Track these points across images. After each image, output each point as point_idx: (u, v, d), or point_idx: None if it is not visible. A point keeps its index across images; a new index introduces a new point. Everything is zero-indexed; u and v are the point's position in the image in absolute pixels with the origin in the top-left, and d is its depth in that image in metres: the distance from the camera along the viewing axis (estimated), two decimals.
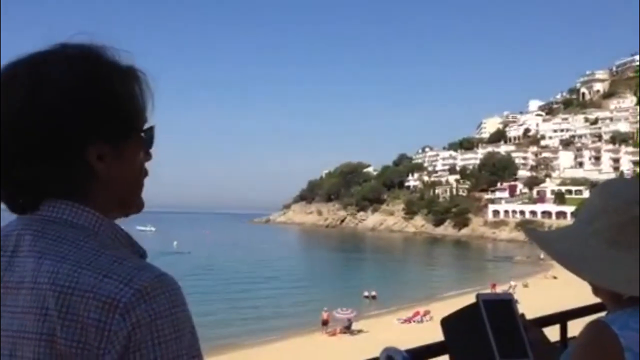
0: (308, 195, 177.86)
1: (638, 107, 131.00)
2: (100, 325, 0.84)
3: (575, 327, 1.71)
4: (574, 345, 1.32)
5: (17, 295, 0.90)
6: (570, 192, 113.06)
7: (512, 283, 40.77)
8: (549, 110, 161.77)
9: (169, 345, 0.86)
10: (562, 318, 2.44)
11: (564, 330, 2.42)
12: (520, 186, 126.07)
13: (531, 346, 1.41)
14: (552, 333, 2.35)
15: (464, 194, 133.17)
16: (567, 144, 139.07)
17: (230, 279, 45.93)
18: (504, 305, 1.49)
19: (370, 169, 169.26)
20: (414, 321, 29.78)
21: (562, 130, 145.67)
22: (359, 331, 28.26)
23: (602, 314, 1.39)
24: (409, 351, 1.58)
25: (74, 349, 0.85)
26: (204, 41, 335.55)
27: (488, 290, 39.43)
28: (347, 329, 28.48)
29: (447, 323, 1.57)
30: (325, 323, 28.78)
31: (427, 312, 30.50)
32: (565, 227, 1.49)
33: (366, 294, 39.26)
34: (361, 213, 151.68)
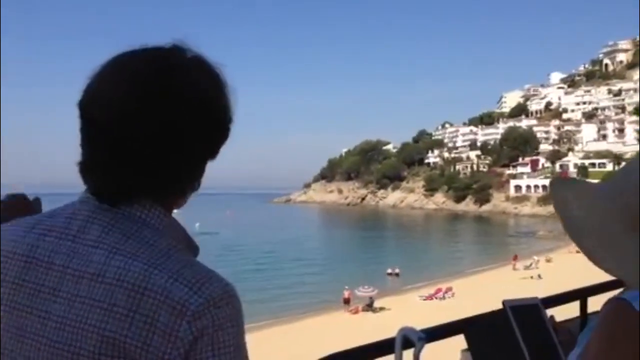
0: (328, 174, 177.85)
1: None
2: (168, 329, 0.85)
3: (597, 303, 1.70)
4: (595, 324, 1.23)
5: (78, 284, 0.90)
6: (593, 165, 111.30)
7: (535, 258, 40.56)
8: (571, 83, 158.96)
9: (228, 356, 0.88)
10: (582, 294, 2.41)
11: (584, 307, 2.39)
12: (542, 161, 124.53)
13: (562, 348, 1.36)
14: (572, 310, 2.35)
15: (485, 170, 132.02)
16: (589, 116, 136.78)
17: (254, 258, 46.35)
18: (531, 310, 1.44)
19: (390, 147, 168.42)
20: (436, 298, 29.84)
21: (584, 103, 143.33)
22: (381, 309, 28.39)
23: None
24: (424, 331, 1.57)
25: (139, 348, 0.85)
26: (228, 18, 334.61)
27: (509, 266, 39.41)
28: (369, 307, 28.62)
29: (471, 332, 1.53)
30: (347, 301, 28.94)
31: (449, 289, 30.54)
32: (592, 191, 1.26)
33: (389, 271, 39.35)
34: (381, 191, 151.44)
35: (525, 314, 1.42)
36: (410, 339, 1.49)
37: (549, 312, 1.63)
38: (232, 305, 0.90)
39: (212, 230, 71.38)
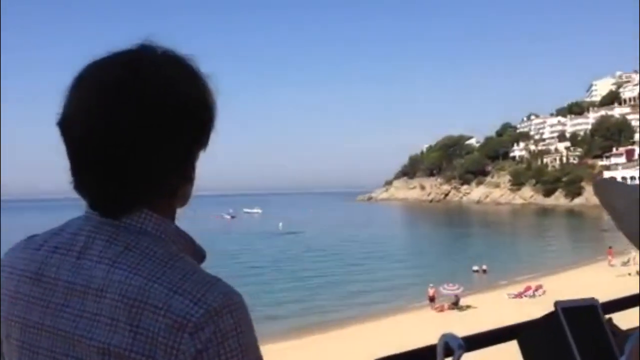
0: (410, 170, 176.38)
1: None
2: (170, 343, 0.85)
3: None
4: None
5: (83, 300, 0.91)
6: None
7: (633, 253, 38.34)
8: None
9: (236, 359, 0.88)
10: None
11: None
12: (638, 150, 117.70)
13: (622, 355, 1.24)
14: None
15: (575, 162, 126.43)
16: None
17: (340, 257, 46.52)
18: (587, 312, 1.36)
19: (472, 141, 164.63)
20: (525, 296, 28.83)
21: None
22: (467, 307, 27.78)
23: None
24: (465, 338, 1.50)
25: None
26: (295, 21, 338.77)
27: (605, 262, 37.45)
28: (455, 305, 28.08)
29: (523, 338, 1.46)
30: (432, 299, 28.55)
31: (539, 287, 29.44)
32: None
33: (476, 268, 38.44)
34: (465, 186, 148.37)
35: (581, 317, 1.34)
36: (450, 347, 1.42)
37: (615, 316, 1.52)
38: (236, 313, 0.89)
39: (297, 229, 72.34)
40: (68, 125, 0.94)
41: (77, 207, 1.00)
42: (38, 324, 0.95)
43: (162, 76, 0.94)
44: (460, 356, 1.40)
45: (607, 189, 1.28)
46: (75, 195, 0.97)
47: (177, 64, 0.98)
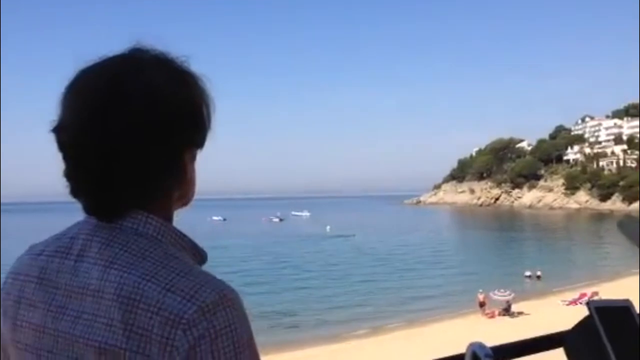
0: (459, 174, 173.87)
1: None
2: (163, 340, 0.86)
3: None
4: None
5: (82, 301, 0.93)
6: None
7: None
8: None
9: (229, 356, 0.88)
10: None
11: None
12: None
13: None
14: None
15: (634, 165, 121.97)
16: None
17: (390, 261, 46.21)
18: (621, 313, 1.34)
19: (524, 144, 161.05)
20: (580, 303, 27.88)
21: None
22: (520, 313, 27.13)
23: None
24: (496, 348, 1.45)
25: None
26: (346, 21, 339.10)
27: None
28: (506, 311, 27.46)
29: (568, 340, 1.43)
30: (482, 305, 28.01)
31: (595, 294, 28.49)
32: None
33: (528, 273, 37.50)
34: (516, 190, 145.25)
35: (614, 317, 1.32)
36: (478, 356, 1.37)
37: None
38: (230, 310, 0.90)
39: (346, 233, 72.20)
40: (60, 132, 0.96)
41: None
42: (40, 327, 0.97)
43: (148, 80, 0.95)
44: None
45: (631, 229, 1.27)
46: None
47: (165, 67, 0.99)
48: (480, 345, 1.38)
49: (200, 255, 1.03)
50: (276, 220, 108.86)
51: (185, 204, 1.08)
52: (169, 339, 0.86)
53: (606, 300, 1.42)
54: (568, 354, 1.41)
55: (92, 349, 0.90)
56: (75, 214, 1.04)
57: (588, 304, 1.34)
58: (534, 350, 1.57)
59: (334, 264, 44.61)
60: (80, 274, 0.95)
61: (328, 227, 79.08)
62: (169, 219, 1.02)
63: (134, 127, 0.93)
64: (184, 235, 1.01)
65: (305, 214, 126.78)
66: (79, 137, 0.93)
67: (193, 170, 1.06)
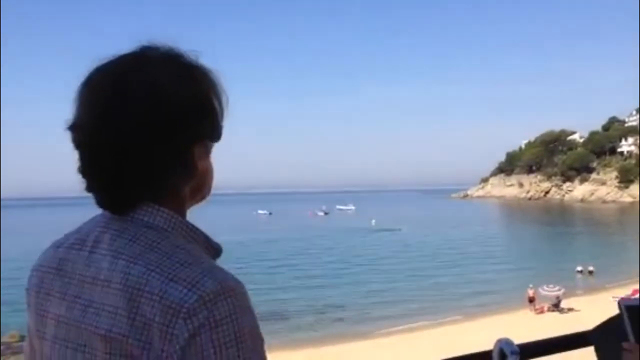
0: (507, 167, 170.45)
1: None
2: (164, 328, 0.88)
3: None
4: None
5: (92, 291, 0.96)
6: None
7: None
8: None
9: (229, 352, 0.88)
10: None
11: None
12: None
13: None
14: None
15: None
16: None
17: (437, 256, 45.85)
18: None
19: (575, 136, 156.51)
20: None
21: None
22: (569, 309, 26.57)
23: None
24: (522, 345, 1.44)
25: (140, 348, 0.89)
26: (399, 16, 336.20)
27: None
28: (556, 307, 26.94)
29: (593, 338, 1.44)
30: (531, 300, 27.55)
31: None
32: None
33: (580, 269, 36.62)
34: (567, 184, 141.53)
35: None
36: (504, 352, 1.37)
37: None
38: (232, 300, 0.90)
39: (391, 227, 71.87)
40: (73, 129, 1.00)
41: None
42: (57, 316, 1.01)
43: (152, 78, 0.97)
44: None
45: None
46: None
47: (172, 63, 1.01)
48: (507, 342, 1.39)
49: (213, 249, 1.04)
50: (321, 214, 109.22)
51: (202, 198, 1.10)
52: (169, 328, 0.88)
53: (637, 299, 1.40)
54: (597, 352, 1.40)
55: (98, 336, 0.92)
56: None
57: (619, 302, 1.33)
58: (561, 349, 1.54)
59: (381, 258, 44.55)
60: (92, 264, 0.98)
61: (373, 221, 78.83)
62: (181, 212, 1.03)
63: (138, 125, 0.95)
64: (196, 228, 1.03)
65: (351, 207, 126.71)
66: (88, 135, 0.97)
67: (207, 164, 1.06)
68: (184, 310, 0.88)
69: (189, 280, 0.90)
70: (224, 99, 1.07)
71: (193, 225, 1.03)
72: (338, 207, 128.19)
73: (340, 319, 25.76)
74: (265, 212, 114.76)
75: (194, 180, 1.04)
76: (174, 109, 0.97)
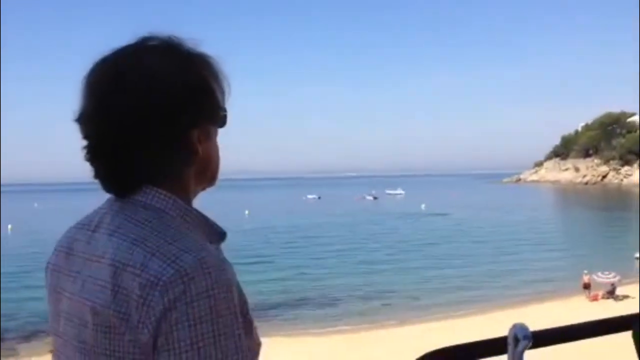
0: (562, 151, 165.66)
1: None
2: (141, 300, 0.91)
3: None
4: None
5: (90, 267, 1.02)
6: None
7: None
8: None
9: (204, 326, 0.90)
10: None
11: None
12: None
13: None
14: None
15: None
16: None
17: (489, 241, 45.09)
18: None
19: (635, 118, 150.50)
20: None
21: None
22: (625, 297, 25.81)
23: None
24: (539, 332, 1.41)
25: (120, 319, 0.93)
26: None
27: None
28: (611, 294, 26.18)
29: (636, 326, 1.41)
30: (586, 287, 26.85)
31: None
32: None
33: (637, 255, 35.42)
34: (626, 168, 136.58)
35: None
36: (517, 337, 1.35)
37: None
38: (211, 276, 0.92)
39: (442, 211, 71.01)
40: (79, 122, 1.05)
41: None
42: (63, 290, 1.07)
43: (146, 68, 1.01)
44: (524, 347, 1.34)
45: None
46: None
47: (168, 52, 1.05)
48: (521, 326, 1.37)
49: (216, 233, 1.07)
50: (370, 198, 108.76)
51: (209, 182, 1.14)
52: (146, 300, 0.91)
53: None
54: (636, 339, 1.38)
55: (89, 308, 0.98)
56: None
57: None
58: (581, 337, 1.50)
59: (431, 244, 44.09)
60: (92, 242, 1.04)
61: (423, 206, 78.07)
62: (184, 197, 1.07)
63: (135, 112, 0.99)
64: (198, 212, 1.07)
65: (400, 192, 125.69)
66: (90, 125, 1.03)
67: (210, 149, 1.10)
68: (161, 283, 0.90)
69: (168, 256, 0.93)
70: (225, 85, 1.10)
71: (192, 208, 1.07)
72: (387, 191, 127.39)
73: (388, 304, 25.72)
74: (314, 196, 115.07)
75: (195, 165, 1.07)
76: (170, 94, 1.00)
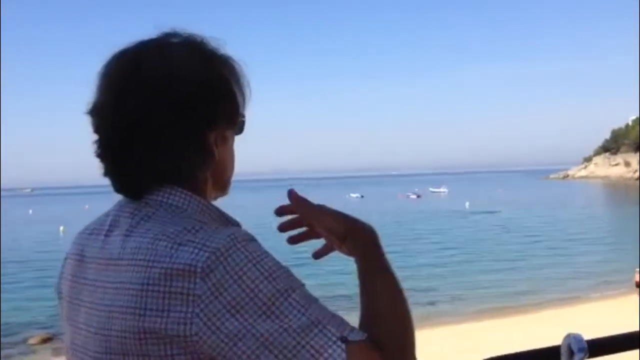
0: (612, 146, 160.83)
1: None
2: (184, 291, 0.85)
3: None
4: None
5: (107, 272, 0.95)
6: None
7: None
8: None
9: (264, 293, 0.85)
10: None
11: None
12: None
13: None
14: None
15: None
16: None
17: (539, 239, 44.17)
18: None
19: None
20: None
21: None
22: None
23: None
24: (595, 342, 1.34)
25: (158, 317, 0.86)
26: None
27: None
28: None
29: None
30: (639, 285, 26.11)
31: None
32: None
33: None
34: None
35: None
36: (572, 349, 1.29)
37: None
38: (245, 247, 0.88)
39: (489, 209, 69.86)
40: (91, 114, 1.01)
41: None
42: (79, 300, 1.01)
43: (165, 64, 0.97)
44: None
45: None
46: None
47: (190, 50, 1.00)
48: (577, 338, 1.31)
49: (231, 225, 1.01)
50: (413, 196, 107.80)
51: (221, 190, 1.09)
52: (189, 290, 0.85)
53: None
54: None
55: (117, 314, 0.91)
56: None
57: None
58: (636, 346, 1.41)
59: (478, 241, 43.50)
60: (107, 247, 0.98)
61: (467, 203, 77.01)
62: (201, 198, 1.02)
63: (150, 108, 0.95)
64: (216, 207, 1.02)
65: (444, 190, 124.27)
66: (103, 118, 0.98)
67: (226, 154, 1.05)
68: (199, 270, 0.85)
69: (197, 242, 0.88)
70: (246, 91, 1.05)
71: (213, 205, 1.02)
72: (431, 189, 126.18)
73: (432, 303, 25.53)
74: (357, 195, 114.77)
75: (211, 168, 1.02)
76: (189, 92, 0.96)
